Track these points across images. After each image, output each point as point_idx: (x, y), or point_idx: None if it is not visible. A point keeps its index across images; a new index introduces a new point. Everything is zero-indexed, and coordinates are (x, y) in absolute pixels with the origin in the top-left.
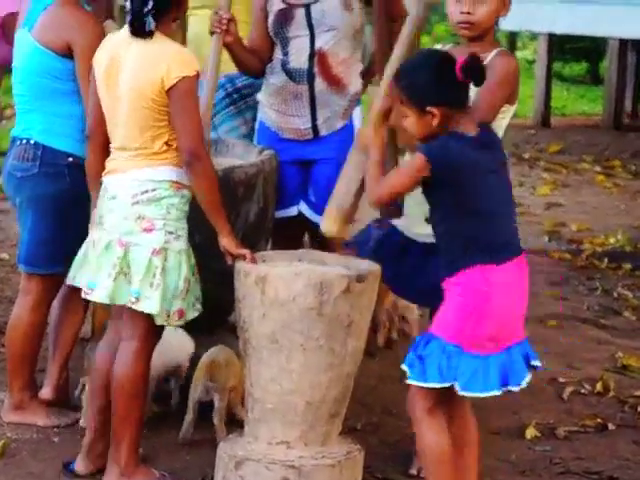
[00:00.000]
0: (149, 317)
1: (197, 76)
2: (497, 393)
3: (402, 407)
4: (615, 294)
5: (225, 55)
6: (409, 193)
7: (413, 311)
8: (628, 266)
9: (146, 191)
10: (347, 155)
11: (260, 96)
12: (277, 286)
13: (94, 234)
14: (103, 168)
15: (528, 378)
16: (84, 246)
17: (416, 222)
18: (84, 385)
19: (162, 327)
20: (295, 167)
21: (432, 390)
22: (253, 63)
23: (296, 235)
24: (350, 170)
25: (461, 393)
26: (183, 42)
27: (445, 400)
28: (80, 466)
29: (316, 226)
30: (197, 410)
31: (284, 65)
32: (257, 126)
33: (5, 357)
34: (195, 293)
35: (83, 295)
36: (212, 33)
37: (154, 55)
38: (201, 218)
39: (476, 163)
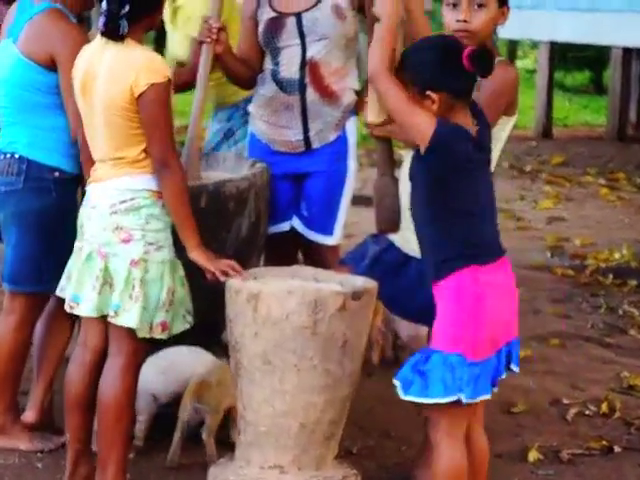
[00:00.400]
0: (133, 331)
1: (168, 83)
2: (488, 397)
3: (400, 429)
4: (620, 311)
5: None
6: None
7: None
8: (634, 282)
9: (124, 201)
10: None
11: (251, 108)
12: (270, 304)
13: (77, 243)
14: None
15: (503, 376)
16: (73, 255)
17: (413, 238)
18: None
19: (150, 340)
20: (287, 181)
21: (448, 411)
22: (244, 73)
23: (289, 251)
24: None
25: (466, 402)
26: None
27: (464, 423)
28: None
29: (309, 242)
30: (185, 432)
31: (274, 75)
32: (248, 139)
33: None
34: (185, 305)
35: (67, 309)
36: (201, 43)
37: (124, 63)
38: None
39: (471, 162)
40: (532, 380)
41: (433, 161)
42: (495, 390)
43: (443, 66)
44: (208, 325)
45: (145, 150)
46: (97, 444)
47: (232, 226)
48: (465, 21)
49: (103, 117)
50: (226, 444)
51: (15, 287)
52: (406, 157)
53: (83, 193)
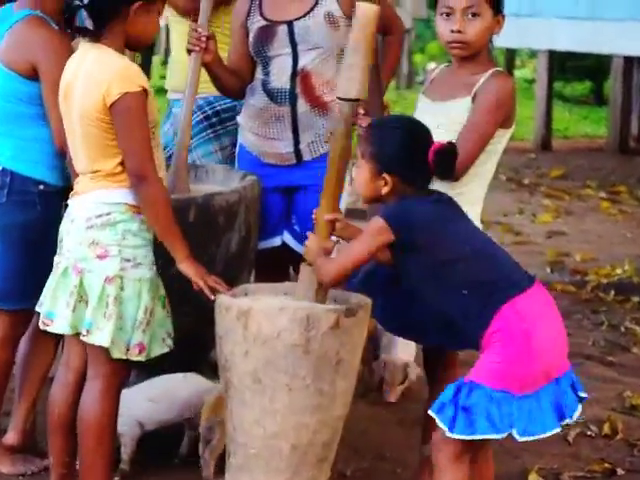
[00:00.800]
0: (110, 351)
1: (142, 93)
2: (557, 430)
3: (395, 451)
4: (622, 329)
5: (205, 75)
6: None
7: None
8: (636, 299)
9: (100, 215)
10: None
11: (240, 119)
12: (260, 321)
13: (56, 257)
14: None
15: (579, 410)
16: (53, 270)
17: None
18: None
19: (131, 362)
20: (278, 194)
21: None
22: (233, 84)
23: (281, 267)
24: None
25: (522, 439)
26: None
27: (472, 447)
28: None
29: (300, 257)
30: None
31: (265, 85)
32: (237, 150)
33: None
34: (165, 327)
35: (41, 326)
36: (189, 52)
37: (97, 71)
38: None
39: (440, 213)
40: None
41: (406, 237)
42: (569, 422)
43: (407, 153)
44: (196, 343)
45: (121, 163)
46: (79, 467)
47: (222, 240)
48: (459, 31)
49: (80, 127)
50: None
51: None
52: None
53: (66, 207)
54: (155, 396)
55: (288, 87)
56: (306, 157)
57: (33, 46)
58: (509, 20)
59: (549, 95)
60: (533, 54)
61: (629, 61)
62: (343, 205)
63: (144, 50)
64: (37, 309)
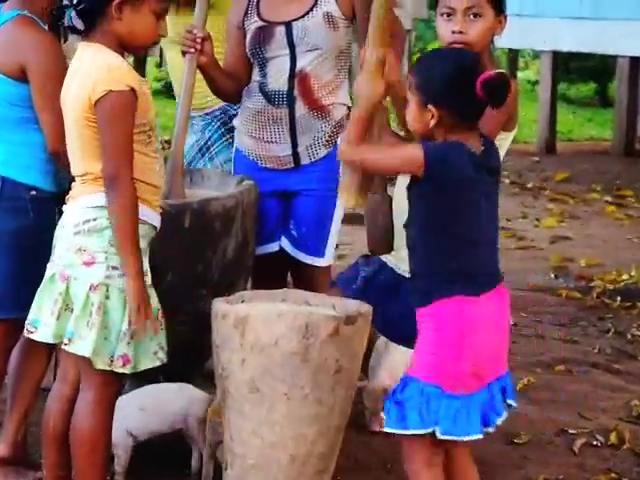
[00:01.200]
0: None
1: (129, 92)
2: (479, 436)
3: (399, 463)
4: (629, 336)
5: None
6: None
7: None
8: None
9: (87, 220)
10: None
11: (236, 122)
12: (258, 329)
13: (49, 264)
14: None
15: (503, 417)
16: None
17: (407, 259)
18: None
19: (124, 374)
20: (275, 199)
21: (428, 439)
22: (230, 87)
23: (278, 273)
24: None
25: (441, 437)
26: None
27: (443, 450)
28: None
29: (299, 263)
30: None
31: (262, 87)
32: (233, 155)
33: None
34: (157, 340)
35: (25, 333)
36: (184, 54)
37: (87, 69)
38: (173, 257)
39: (474, 183)
40: (536, 409)
41: (432, 183)
42: (490, 430)
43: (452, 84)
44: (192, 353)
45: None
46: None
47: (218, 247)
48: (461, 32)
49: (73, 128)
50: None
51: None
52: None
53: (60, 212)
54: (146, 405)
55: (286, 89)
56: (304, 161)
57: (22, 47)
58: (512, 20)
59: (553, 97)
60: (536, 55)
61: (635, 61)
62: (341, 211)
63: (141, 51)
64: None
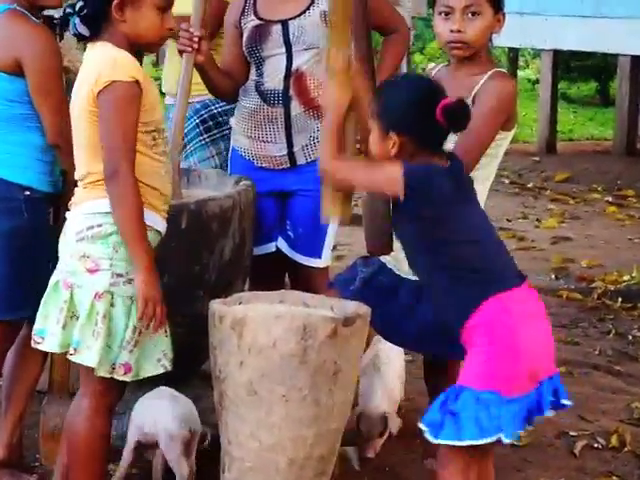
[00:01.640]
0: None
1: (134, 84)
2: (520, 431)
3: (396, 464)
4: (630, 337)
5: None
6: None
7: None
8: None
9: (91, 227)
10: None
11: (232, 121)
12: (256, 330)
13: (54, 272)
14: None
15: (546, 415)
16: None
17: (406, 260)
18: None
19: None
20: (271, 199)
21: (465, 449)
22: (227, 86)
23: (275, 274)
24: None
25: (506, 441)
26: None
27: (477, 462)
28: None
29: (296, 264)
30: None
31: (258, 87)
32: (230, 154)
33: None
34: (161, 347)
35: (33, 344)
36: (181, 53)
37: (90, 67)
38: (170, 258)
39: (454, 193)
40: None
41: (416, 202)
42: (530, 428)
43: (411, 110)
44: (189, 355)
45: None
46: None
47: (215, 247)
48: (459, 31)
49: (77, 126)
50: None
51: None
52: None
53: (54, 214)
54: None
55: (281, 88)
56: (300, 161)
57: (16, 41)
58: (512, 19)
59: (553, 96)
60: (537, 54)
61: (636, 60)
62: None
63: (156, 48)
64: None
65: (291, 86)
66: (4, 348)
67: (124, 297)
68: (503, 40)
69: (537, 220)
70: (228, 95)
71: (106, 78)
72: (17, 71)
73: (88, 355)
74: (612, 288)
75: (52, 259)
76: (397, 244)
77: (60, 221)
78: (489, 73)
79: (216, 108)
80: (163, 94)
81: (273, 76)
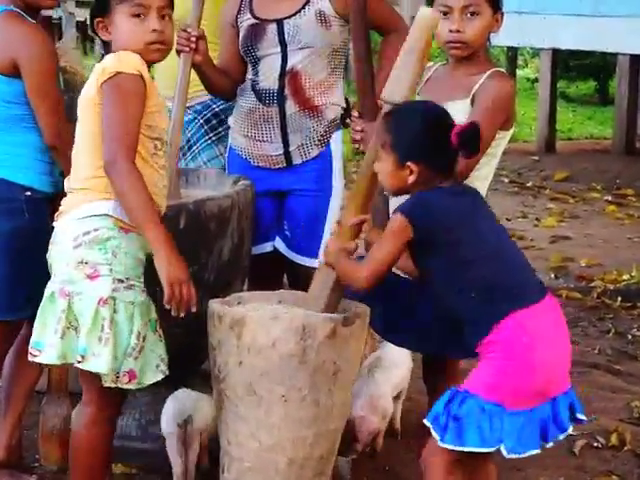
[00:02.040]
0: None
1: (139, 78)
2: (537, 451)
3: (395, 464)
4: (629, 336)
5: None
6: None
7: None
8: None
9: (87, 232)
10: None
11: (230, 120)
12: (255, 330)
13: (48, 284)
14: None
15: (569, 430)
16: None
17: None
18: None
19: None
20: (269, 198)
21: (463, 454)
22: (225, 85)
23: (274, 273)
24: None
25: (509, 456)
26: None
27: (463, 460)
28: None
29: (293, 264)
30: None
31: (254, 86)
32: (227, 153)
33: None
34: (157, 352)
35: (30, 358)
36: (179, 52)
37: (97, 66)
38: None
39: (459, 209)
40: None
41: (427, 235)
42: (548, 445)
43: (429, 139)
44: (188, 355)
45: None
46: None
47: (214, 247)
48: (458, 31)
49: (80, 121)
50: None
51: None
52: None
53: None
54: None
55: (276, 87)
56: (296, 160)
57: (12, 42)
58: (511, 18)
59: (552, 95)
60: (536, 53)
61: (635, 59)
62: (336, 212)
63: (160, 57)
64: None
65: (286, 86)
66: (4, 348)
67: (126, 303)
68: (502, 39)
69: (536, 219)
70: (226, 93)
71: (111, 69)
72: (14, 72)
73: (97, 362)
74: (611, 287)
75: None
76: None
77: None
78: (488, 73)
79: (218, 107)
80: None
81: (268, 75)
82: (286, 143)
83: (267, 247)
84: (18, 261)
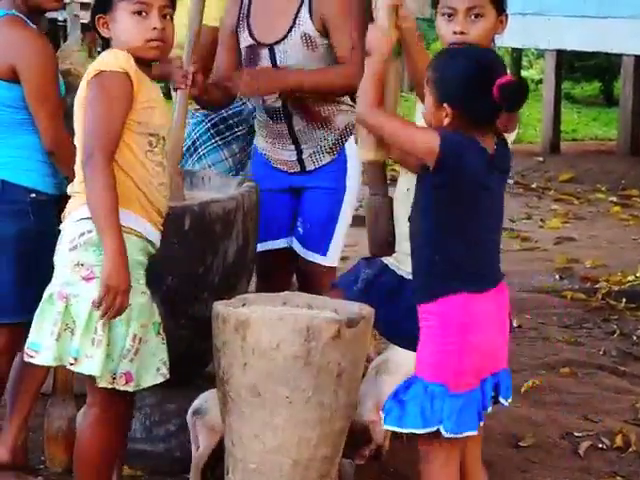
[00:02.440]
0: None
1: (123, 75)
2: (474, 433)
3: (399, 465)
4: (634, 337)
5: None
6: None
7: None
8: None
9: (83, 233)
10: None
11: (255, 121)
12: (259, 332)
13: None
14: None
15: (488, 409)
16: None
17: (408, 260)
18: None
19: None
20: (286, 195)
21: (444, 441)
22: (221, 99)
23: (283, 270)
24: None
25: (447, 436)
26: None
27: (459, 453)
28: None
29: (304, 263)
30: None
31: (263, 103)
32: (252, 150)
33: None
34: (159, 356)
35: (26, 358)
36: (176, 89)
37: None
38: (173, 259)
39: (485, 183)
40: (541, 412)
41: (443, 177)
42: (481, 424)
43: (468, 87)
44: (193, 356)
45: None
46: None
47: (219, 249)
48: (462, 33)
49: (77, 129)
50: None
51: None
52: (401, 175)
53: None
54: None
55: (280, 105)
56: (309, 167)
57: (11, 47)
58: (515, 19)
59: (557, 96)
60: (540, 54)
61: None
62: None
63: (163, 54)
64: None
65: (289, 103)
66: (14, 350)
67: None
68: (506, 40)
69: (541, 220)
70: (221, 106)
71: (96, 67)
72: (13, 77)
73: (90, 364)
74: (616, 288)
75: None
76: (398, 246)
77: None
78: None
79: (226, 111)
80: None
81: (270, 95)
82: (299, 152)
83: (280, 243)
84: (25, 263)
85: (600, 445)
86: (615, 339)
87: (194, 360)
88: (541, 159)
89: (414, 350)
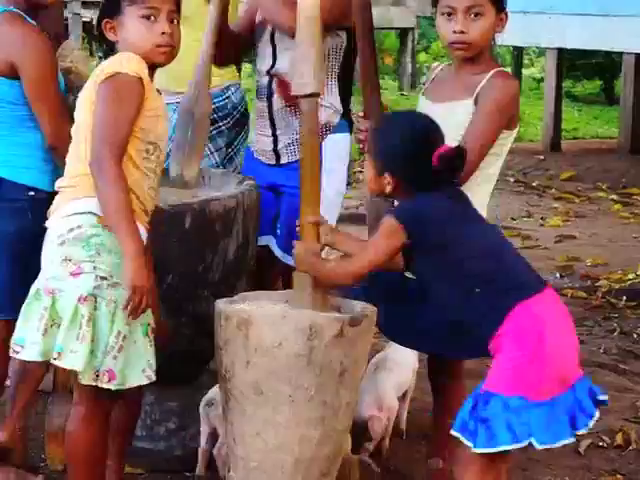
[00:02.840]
0: None
1: (137, 80)
2: (570, 440)
3: (401, 464)
4: (635, 336)
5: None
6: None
7: None
8: None
9: (71, 229)
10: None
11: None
12: (262, 330)
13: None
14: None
15: (596, 415)
16: None
17: None
18: None
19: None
20: (270, 193)
21: (488, 453)
22: (229, 47)
23: (265, 268)
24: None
25: (541, 447)
26: None
27: (497, 463)
28: None
29: (281, 262)
30: None
31: (256, 80)
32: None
33: None
34: (145, 357)
35: (11, 353)
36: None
37: (98, 67)
38: (174, 258)
39: (452, 210)
40: None
41: (423, 243)
42: (582, 432)
43: (405, 156)
44: (194, 354)
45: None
46: None
47: (219, 247)
48: (462, 32)
49: (74, 128)
50: None
51: None
52: None
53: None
54: None
55: (266, 82)
56: (283, 159)
57: (10, 43)
58: (517, 17)
59: (558, 94)
60: (541, 52)
61: None
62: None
63: (168, 59)
64: None
65: (274, 81)
66: (8, 346)
67: (108, 301)
68: (507, 39)
69: (542, 219)
70: (229, 60)
71: (110, 69)
72: (12, 74)
73: (73, 359)
74: (617, 286)
75: None
76: None
77: None
78: (491, 72)
79: (243, 107)
80: None
81: (261, 70)
82: (275, 140)
83: (261, 240)
84: (23, 261)
85: (600, 443)
86: (616, 337)
87: (194, 358)
88: (542, 157)
89: (412, 348)
